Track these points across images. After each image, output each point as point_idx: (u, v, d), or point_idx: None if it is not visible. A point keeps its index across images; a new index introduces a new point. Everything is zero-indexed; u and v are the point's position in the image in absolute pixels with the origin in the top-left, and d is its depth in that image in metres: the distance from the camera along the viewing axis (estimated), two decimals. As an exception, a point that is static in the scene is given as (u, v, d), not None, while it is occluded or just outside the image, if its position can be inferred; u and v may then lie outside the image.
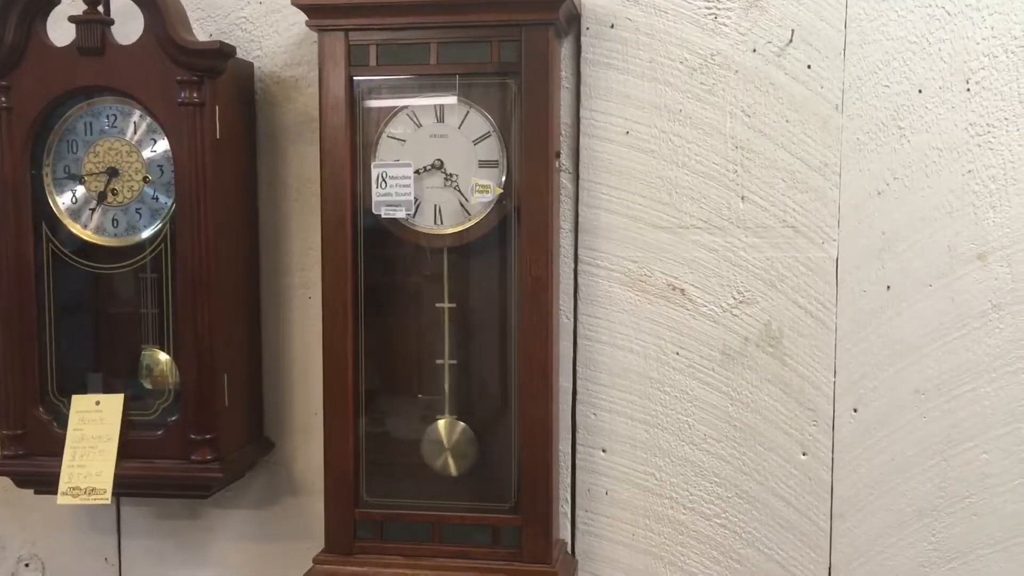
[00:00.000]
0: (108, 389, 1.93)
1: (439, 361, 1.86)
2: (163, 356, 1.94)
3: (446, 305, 1.85)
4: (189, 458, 1.84)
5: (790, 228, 1.84)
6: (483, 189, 1.79)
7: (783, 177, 1.84)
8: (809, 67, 1.81)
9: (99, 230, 1.91)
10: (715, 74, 1.84)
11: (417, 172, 1.80)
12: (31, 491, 1.97)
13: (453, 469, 1.86)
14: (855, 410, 1.84)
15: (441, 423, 1.86)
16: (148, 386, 1.95)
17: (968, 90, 1.76)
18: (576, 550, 1.95)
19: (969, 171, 1.78)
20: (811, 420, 1.85)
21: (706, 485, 1.90)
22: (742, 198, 1.85)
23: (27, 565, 2.17)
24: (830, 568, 1.87)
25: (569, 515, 1.95)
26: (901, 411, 1.82)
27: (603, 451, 1.93)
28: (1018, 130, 1.75)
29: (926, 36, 1.77)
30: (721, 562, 1.90)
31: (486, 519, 1.81)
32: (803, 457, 1.86)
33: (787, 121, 1.83)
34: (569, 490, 1.94)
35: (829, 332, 1.84)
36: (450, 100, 1.79)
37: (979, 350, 1.79)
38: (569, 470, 1.94)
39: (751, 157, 1.84)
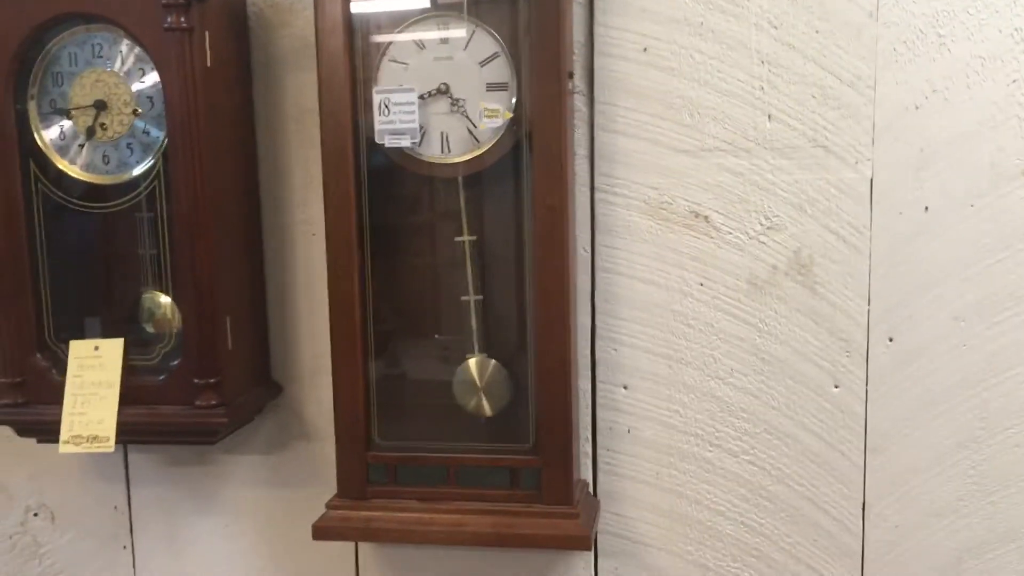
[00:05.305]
0: (108, 334, 1.85)
1: (464, 297, 1.76)
2: (164, 299, 1.86)
3: (466, 238, 1.75)
4: (193, 403, 1.77)
5: (821, 148, 1.73)
6: (492, 114, 1.69)
7: (813, 93, 1.72)
8: (841, -28, 1.68)
9: (89, 167, 1.81)
10: (739, -17, 1.71)
11: (421, 97, 1.69)
12: (34, 440, 1.91)
13: (488, 409, 1.78)
14: (890, 339, 1.75)
15: (472, 361, 1.78)
16: (150, 330, 1.88)
17: (1014, -8, 1.64)
18: (598, 490, 1.88)
19: (1014, 80, 1.65)
20: (844, 351, 1.76)
21: (733, 421, 1.82)
22: (769, 117, 1.74)
23: (36, 515, 2.12)
24: (864, 504, 1.80)
25: (590, 455, 1.87)
26: (939, 339, 1.73)
27: (624, 388, 1.85)
28: (1069, 35, 1.63)
29: (969, -66, 1.64)
30: (750, 500, 1.83)
31: (504, 460, 1.74)
32: (835, 390, 1.78)
33: (817, 32, 1.70)
34: (590, 429, 1.87)
35: (863, 258, 1.74)
36: (456, 23, 1.68)
37: (1023, 273, 1.69)
38: (590, 408, 1.86)
39: (778, 72, 1.72)
